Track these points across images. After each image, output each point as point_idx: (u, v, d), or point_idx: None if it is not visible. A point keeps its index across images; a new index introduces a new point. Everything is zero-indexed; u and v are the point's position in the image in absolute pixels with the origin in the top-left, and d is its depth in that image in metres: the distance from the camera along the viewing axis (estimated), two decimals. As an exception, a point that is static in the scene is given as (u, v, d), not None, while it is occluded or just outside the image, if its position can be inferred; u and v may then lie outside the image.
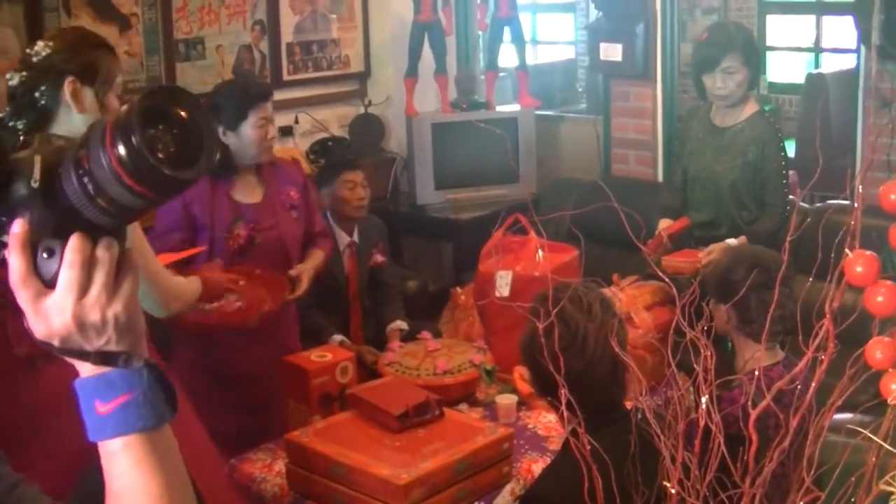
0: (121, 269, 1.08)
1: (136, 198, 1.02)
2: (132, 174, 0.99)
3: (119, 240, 1.08)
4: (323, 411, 3.23)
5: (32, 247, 1.05)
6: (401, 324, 4.45)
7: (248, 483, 3.05)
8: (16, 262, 1.04)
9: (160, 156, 1.00)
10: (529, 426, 3.29)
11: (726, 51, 3.92)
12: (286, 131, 5.49)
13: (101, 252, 1.06)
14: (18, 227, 1.04)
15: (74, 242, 1.04)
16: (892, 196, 1.12)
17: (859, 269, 1.16)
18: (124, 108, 1.01)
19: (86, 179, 1.01)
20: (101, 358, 1.07)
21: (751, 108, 4.05)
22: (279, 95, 5.31)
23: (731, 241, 3.84)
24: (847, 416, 1.47)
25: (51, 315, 1.05)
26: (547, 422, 3.27)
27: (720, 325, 2.99)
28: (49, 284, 1.05)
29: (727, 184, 4.00)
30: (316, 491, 2.84)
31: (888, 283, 1.17)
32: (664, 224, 4.05)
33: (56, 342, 1.06)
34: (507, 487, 2.87)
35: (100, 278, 1.06)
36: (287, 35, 5.49)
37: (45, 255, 1.05)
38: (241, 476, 3.07)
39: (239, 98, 3.60)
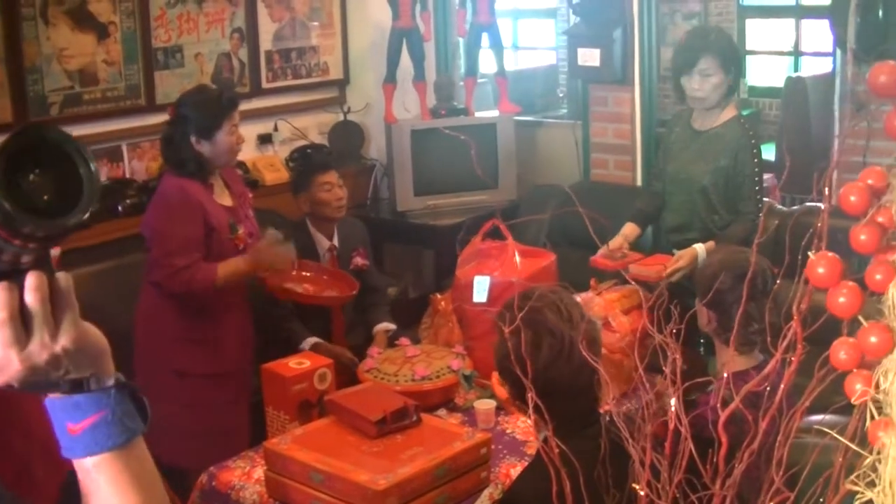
0: (54, 300, 1.01)
1: (21, 250, 0.95)
2: (4, 227, 0.93)
3: (44, 269, 1.01)
4: (302, 418, 3.23)
5: None
6: (388, 325, 4.45)
7: (227, 491, 3.04)
8: None
9: (35, 202, 0.93)
10: (508, 431, 3.30)
11: (702, 52, 3.93)
12: (265, 139, 5.48)
13: (31, 297, 1.00)
14: None
15: None
16: (852, 198, 1.12)
17: (821, 270, 1.16)
18: None
19: None
20: (70, 386, 1.04)
21: (728, 114, 4.06)
22: (258, 103, 5.35)
23: (699, 247, 3.86)
24: (819, 416, 1.48)
25: None
26: (525, 426, 3.28)
27: (703, 325, 3.01)
28: None
29: (699, 188, 4.01)
30: (295, 498, 2.83)
31: (850, 283, 1.17)
32: (627, 230, 4.08)
33: (16, 385, 1.02)
34: (486, 492, 2.88)
35: (38, 325, 1.00)
36: (266, 43, 5.48)
37: None
38: (220, 484, 3.07)
39: (213, 108, 3.68)
